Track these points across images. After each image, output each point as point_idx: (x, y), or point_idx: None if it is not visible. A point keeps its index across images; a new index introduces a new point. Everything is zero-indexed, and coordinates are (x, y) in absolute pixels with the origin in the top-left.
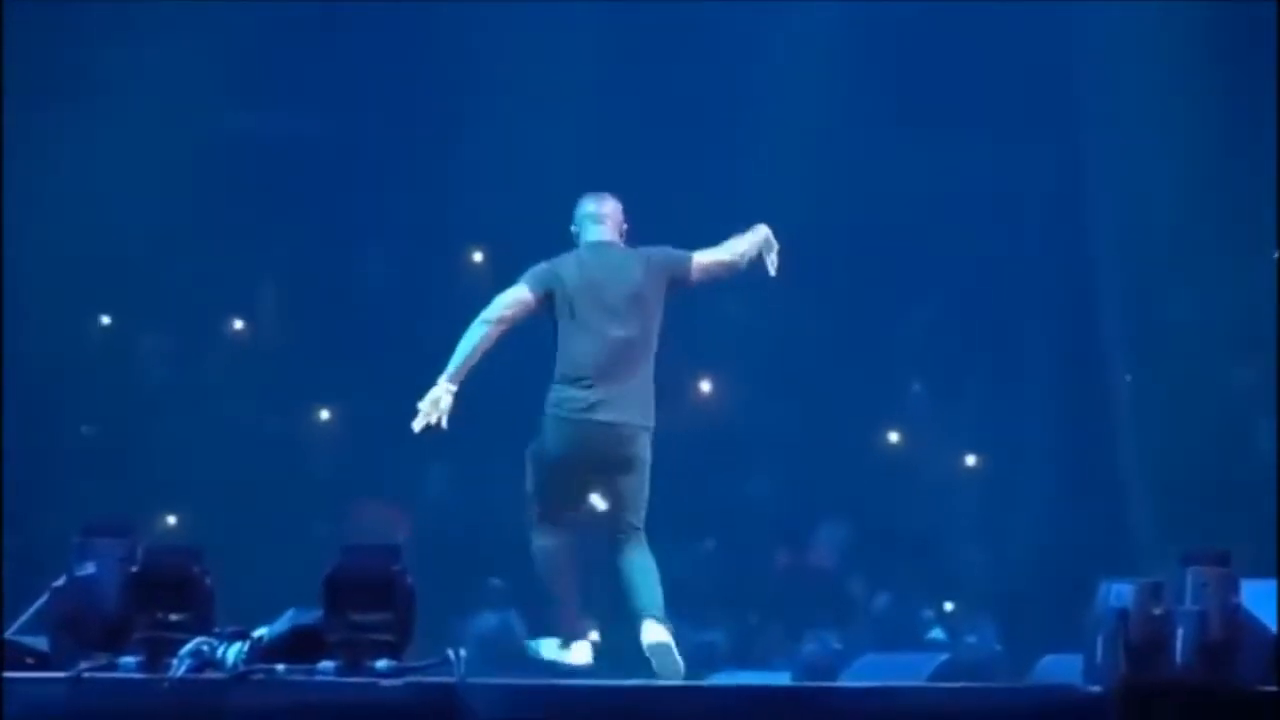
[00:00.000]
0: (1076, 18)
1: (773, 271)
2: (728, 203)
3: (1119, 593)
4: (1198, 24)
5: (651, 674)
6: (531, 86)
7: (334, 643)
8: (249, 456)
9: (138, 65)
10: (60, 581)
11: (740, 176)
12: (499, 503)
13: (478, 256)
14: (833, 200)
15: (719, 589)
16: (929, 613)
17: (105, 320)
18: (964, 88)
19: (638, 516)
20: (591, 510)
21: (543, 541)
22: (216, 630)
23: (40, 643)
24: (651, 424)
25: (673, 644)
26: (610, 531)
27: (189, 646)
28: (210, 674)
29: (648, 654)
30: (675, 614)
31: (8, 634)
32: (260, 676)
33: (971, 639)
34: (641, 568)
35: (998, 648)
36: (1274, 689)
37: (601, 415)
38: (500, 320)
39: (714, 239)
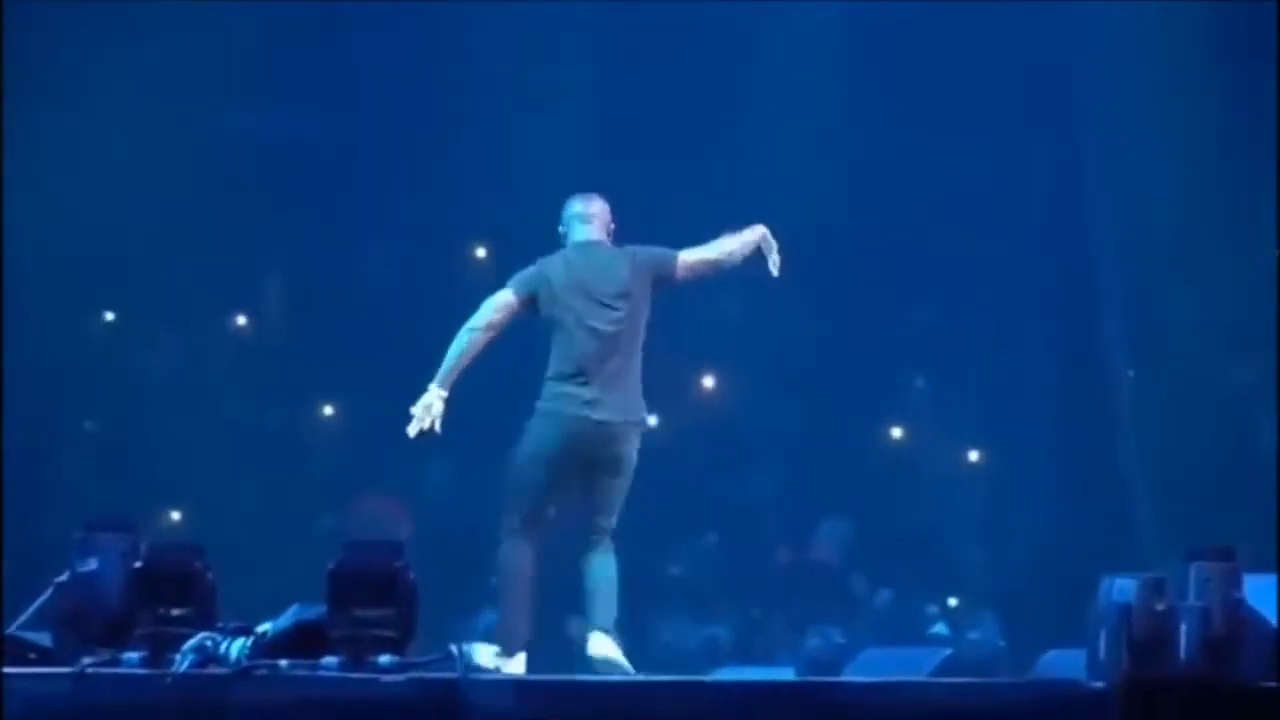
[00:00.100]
0: (1076, 18)
1: (775, 272)
2: (728, 203)
3: (1121, 588)
4: (1198, 24)
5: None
6: (532, 86)
7: (337, 638)
8: (252, 453)
9: (139, 64)
10: (63, 577)
11: (740, 176)
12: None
13: (480, 253)
14: (833, 199)
15: (722, 584)
16: (932, 608)
17: (109, 317)
18: (964, 87)
19: (612, 519)
20: (567, 510)
21: (515, 546)
22: (219, 625)
23: (43, 638)
24: (644, 421)
25: (619, 659)
26: (583, 532)
27: (192, 642)
28: (213, 669)
29: (593, 665)
30: (678, 609)
31: (11, 629)
32: (263, 672)
33: (974, 634)
34: (603, 578)
35: (1001, 643)
36: (1277, 684)
37: (597, 414)
38: (487, 327)
39: (714, 238)
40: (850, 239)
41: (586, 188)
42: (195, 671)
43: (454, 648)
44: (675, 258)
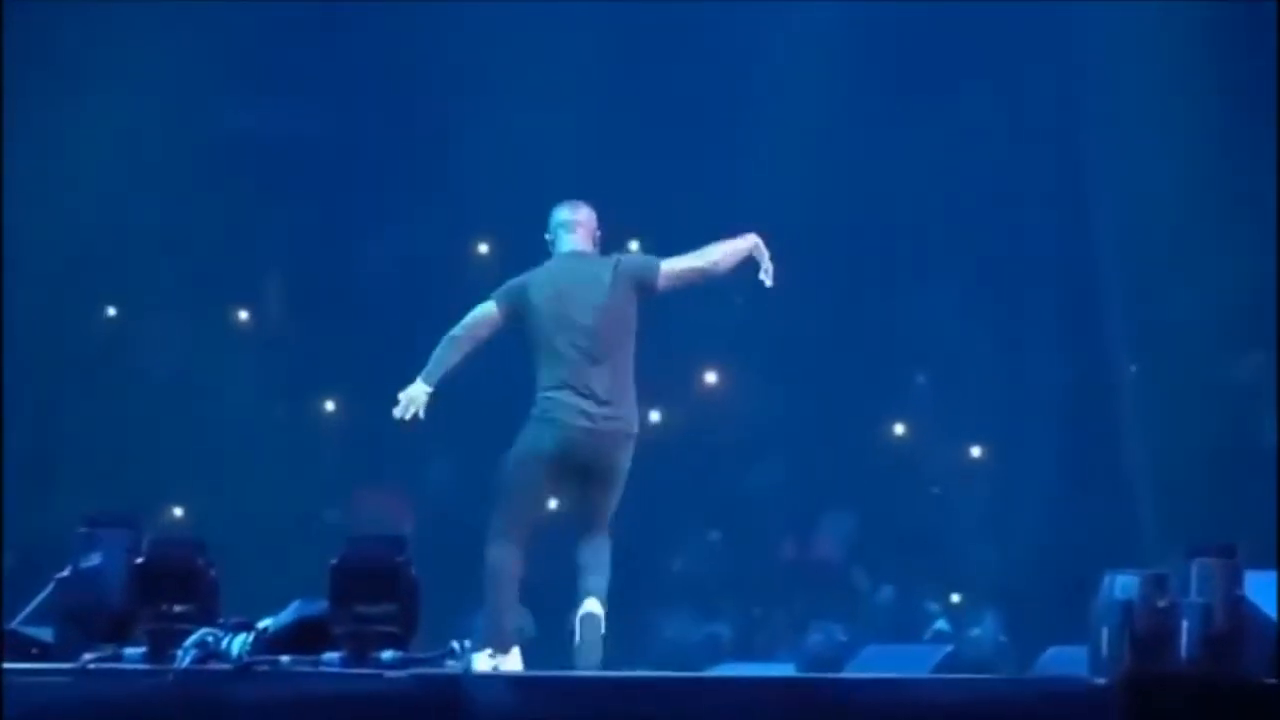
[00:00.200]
0: (1076, 18)
1: (769, 281)
2: (729, 200)
3: (1123, 584)
4: (1198, 24)
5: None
6: (533, 83)
7: (339, 634)
8: (254, 448)
9: (141, 60)
10: (65, 573)
11: (741, 174)
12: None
13: (482, 249)
14: (835, 197)
15: (724, 581)
16: (934, 605)
17: (111, 312)
18: (964, 86)
19: (608, 514)
20: (565, 508)
21: (501, 549)
22: (221, 621)
23: (45, 634)
24: (635, 431)
25: (602, 620)
26: (579, 529)
27: (194, 638)
28: (215, 665)
29: (577, 621)
30: (681, 605)
31: (13, 625)
32: (265, 668)
33: (976, 631)
34: (596, 561)
35: (1002, 639)
36: (1278, 681)
37: (588, 424)
38: (469, 337)
39: (714, 238)
40: (852, 236)
41: (588, 184)
42: (197, 667)
43: (456, 644)
44: (657, 267)
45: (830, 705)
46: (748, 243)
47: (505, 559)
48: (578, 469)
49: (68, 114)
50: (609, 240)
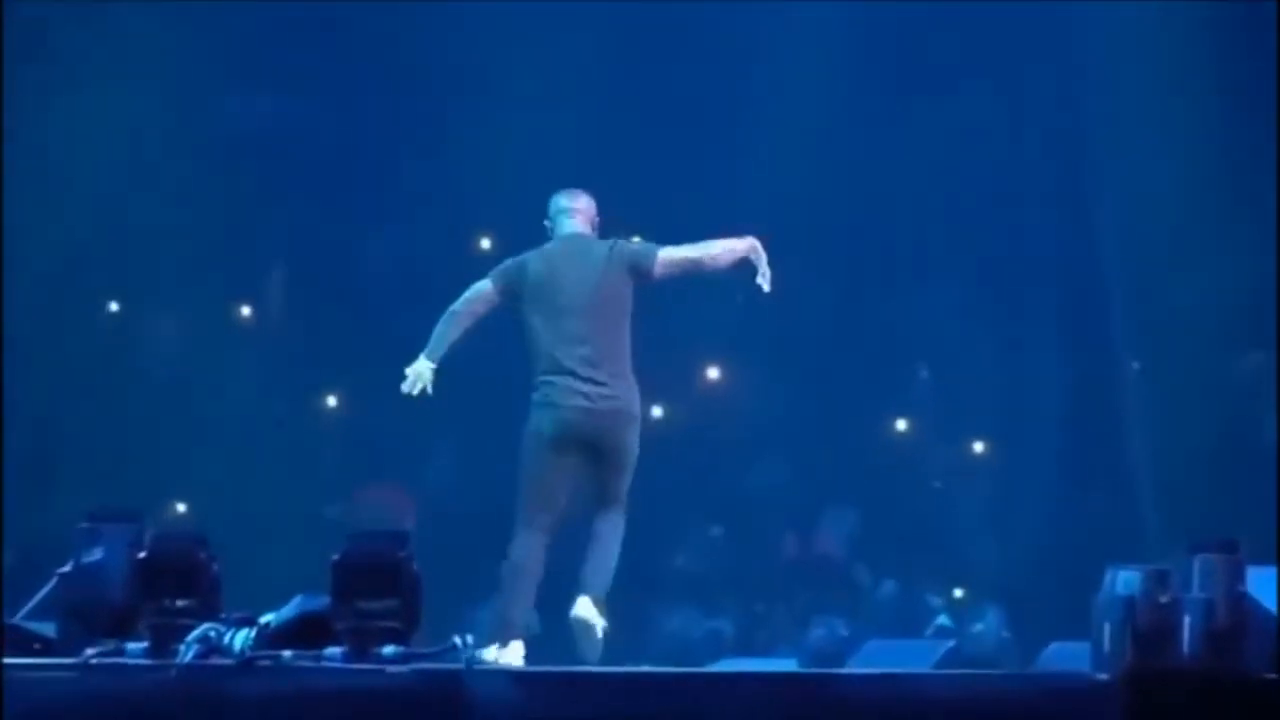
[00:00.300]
0: (1077, 17)
1: (766, 286)
2: (730, 194)
3: (1126, 580)
4: (1197, 24)
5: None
6: (535, 79)
7: (341, 629)
8: (255, 443)
9: (142, 53)
10: (67, 568)
11: (742, 170)
12: (508, 490)
13: (484, 244)
14: (836, 193)
15: (726, 576)
16: (936, 600)
17: (113, 307)
18: (965, 85)
19: (622, 489)
20: (578, 495)
21: (524, 541)
22: (223, 616)
23: (48, 629)
24: (636, 408)
25: (599, 628)
26: (594, 501)
27: (196, 633)
28: (217, 660)
29: (571, 624)
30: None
31: (15, 620)
32: (267, 663)
33: (978, 626)
34: (601, 545)
35: (1005, 635)
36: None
37: (584, 404)
38: (467, 314)
39: (714, 238)
40: (853, 234)
41: (588, 183)
42: (199, 662)
43: (458, 639)
44: (654, 253)
45: (832, 701)
46: (746, 244)
47: (525, 555)
48: (582, 449)
49: (69, 111)
50: (609, 235)
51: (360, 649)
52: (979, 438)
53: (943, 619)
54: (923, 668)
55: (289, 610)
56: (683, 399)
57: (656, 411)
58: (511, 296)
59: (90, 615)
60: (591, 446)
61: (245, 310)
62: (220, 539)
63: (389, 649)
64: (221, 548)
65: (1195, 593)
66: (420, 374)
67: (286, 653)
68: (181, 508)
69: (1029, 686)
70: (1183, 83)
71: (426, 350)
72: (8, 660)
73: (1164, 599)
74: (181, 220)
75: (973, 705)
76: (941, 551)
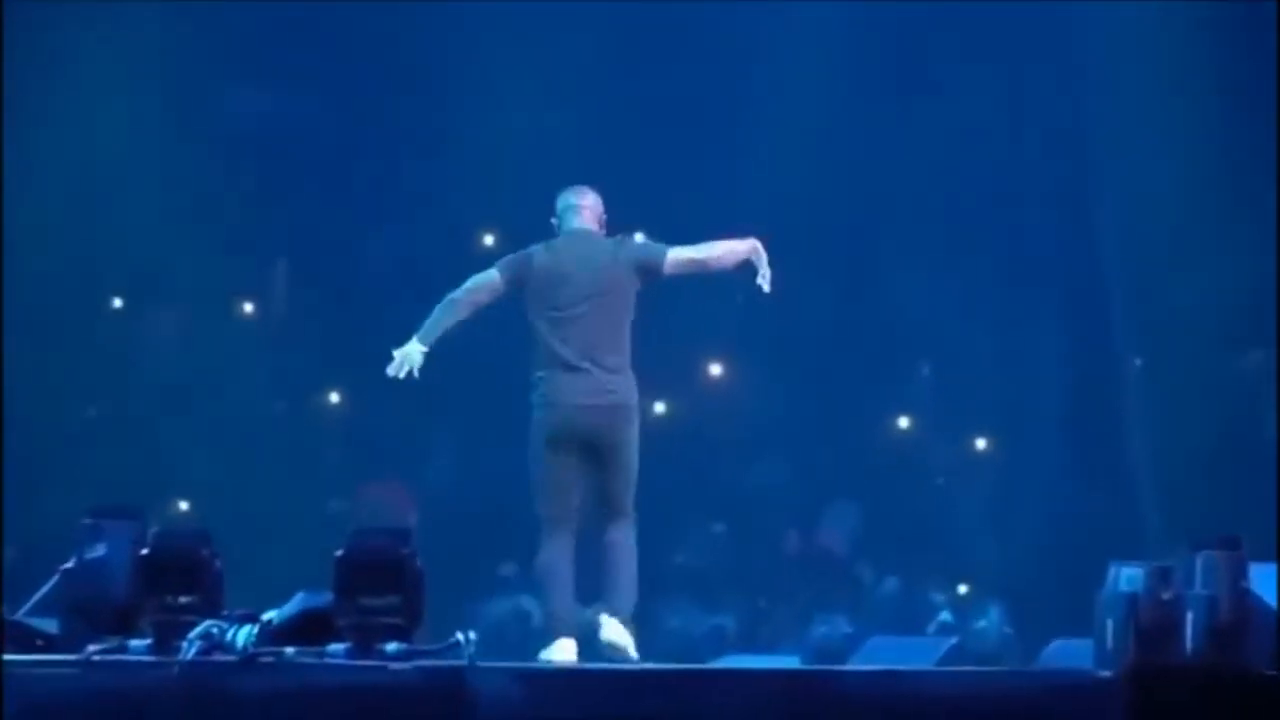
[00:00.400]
0: (1077, 17)
1: (766, 287)
2: (731, 191)
3: (1128, 577)
4: (1197, 23)
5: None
6: (534, 82)
7: (343, 626)
8: (258, 440)
9: (144, 49)
10: (70, 564)
11: (743, 168)
12: (510, 486)
13: (487, 241)
14: (838, 193)
15: (729, 573)
16: (938, 597)
17: (117, 303)
18: (965, 85)
19: (626, 494)
20: (587, 496)
21: (548, 541)
22: (226, 613)
23: (50, 625)
24: (634, 402)
25: (629, 649)
26: (600, 515)
27: (198, 629)
28: (220, 657)
29: (603, 648)
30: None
31: (17, 616)
32: (270, 659)
33: (981, 623)
34: (621, 564)
35: (1007, 631)
36: None
37: (583, 399)
38: (469, 302)
39: (715, 237)
40: (855, 232)
41: (590, 178)
42: (202, 659)
43: (461, 635)
44: (664, 253)
45: (835, 698)
46: (748, 245)
47: (552, 554)
48: (583, 446)
49: (71, 108)
50: (611, 234)
51: (363, 646)
52: (981, 434)
53: (945, 616)
54: (925, 665)
55: (291, 607)
56: (685, 396)
57: (659, 408)
58: (517, 287)
59: (93, 612)
60: (591, 443)
61: (248, 307)
62: (223, 536)
63: (392, 646)
64: (224, 544)
65: (1198, 589)
66: (409, 356)
67: (289, 649)
68: (184, 505)
69: (1031, 683)
70: (1183, 83)
71: (419, 334)
72: (11, 656)
73: (1167, 596)
74: (184, 217)
75: (975, 702)
76: (944, 548)
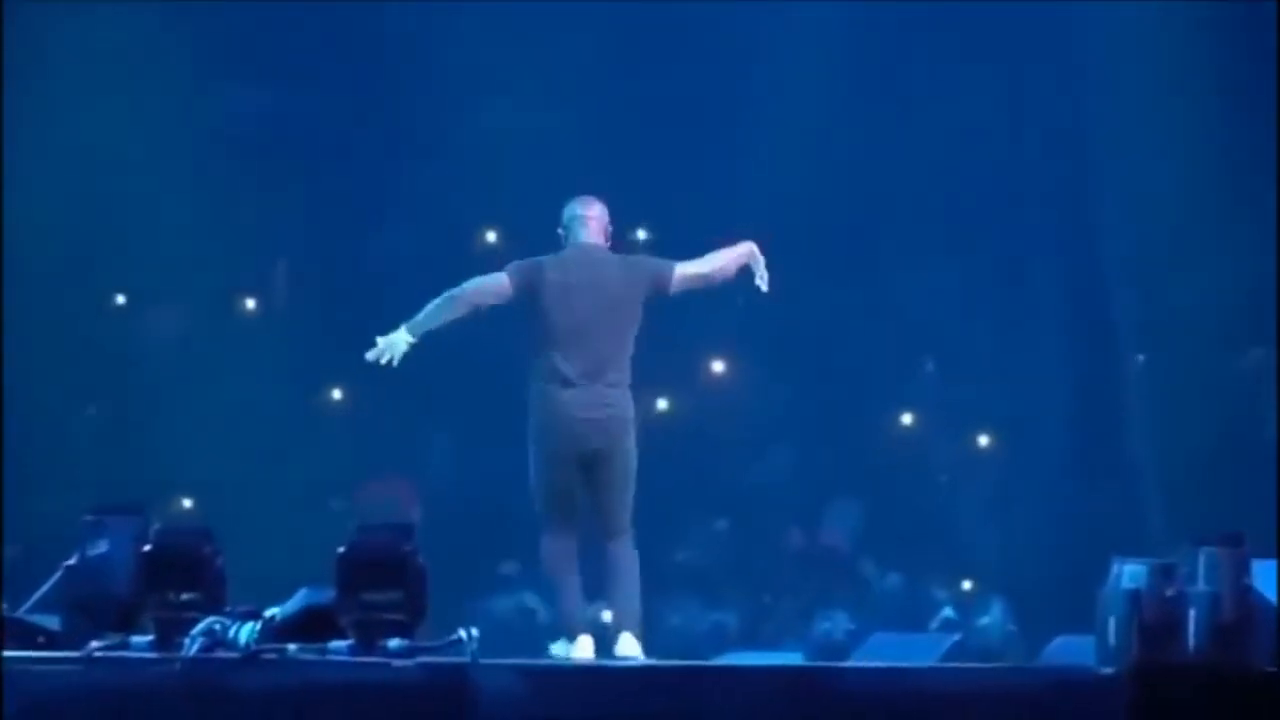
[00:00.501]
0: (1077, 17)
1: (764, 287)
2: (729, 199)
3: (1131, 574)
4: (1197, 23)
5: None
6: (534, 81)
7: (346, 622)
8: (260, 436)
9: (146, 46)
10: (73, 561)
11: (741, 174)
12: (511, 484)
13: (490, 237)
14: (839, 187)
15: (731, 569)
16: (941, 593)
17: (120, 300)
18: (965, 85)
19: (624, 514)
20: (586, 504)
21: (549, 542)
22: (228, 609)
23: (52, 622)
24: (630, 418)
25: (641, 658)
26: (598, 524)
27: (201, 626)
28: (222, 653)
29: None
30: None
31: (20, 613)
32: (272, 656)
33: (984, 619)
34: (625, 577)
35: (1010, 628)
36: None
37: (582, 412)
38: (471, 300)
39: (716, 235)
40: (857, 228)
41: (589, 180)
42: (204, 656)
43: (463, 632)
44: (672, 269)
45: (837, 695)
46: (745, 250)
47: (553, 552)
48: (580, 455)
49: (73, 105)
50: (612, 237)
51: (365, 642)
52: (984, 431)
53: (948, 612)
54: (928, 661)
55: (294, 603)
56: (688, 393)
57: (661, 405)
58: (527, 294)
59: (95, 609)
60: (589, 455)
61: (250, 303)
62: (225, 532)
63: (394, 642)
64: (226, 541)
65: (1200, 586)
66: (393, 344)
67: (291, 646)
68: (186, 502)
69: (1034, 680)
70: (1183, 83)
71: (409, 324)
72: (13, 653)
73: (1169, 592)
74: (186, 214)
75: (978, 699)
76: (947, 545)
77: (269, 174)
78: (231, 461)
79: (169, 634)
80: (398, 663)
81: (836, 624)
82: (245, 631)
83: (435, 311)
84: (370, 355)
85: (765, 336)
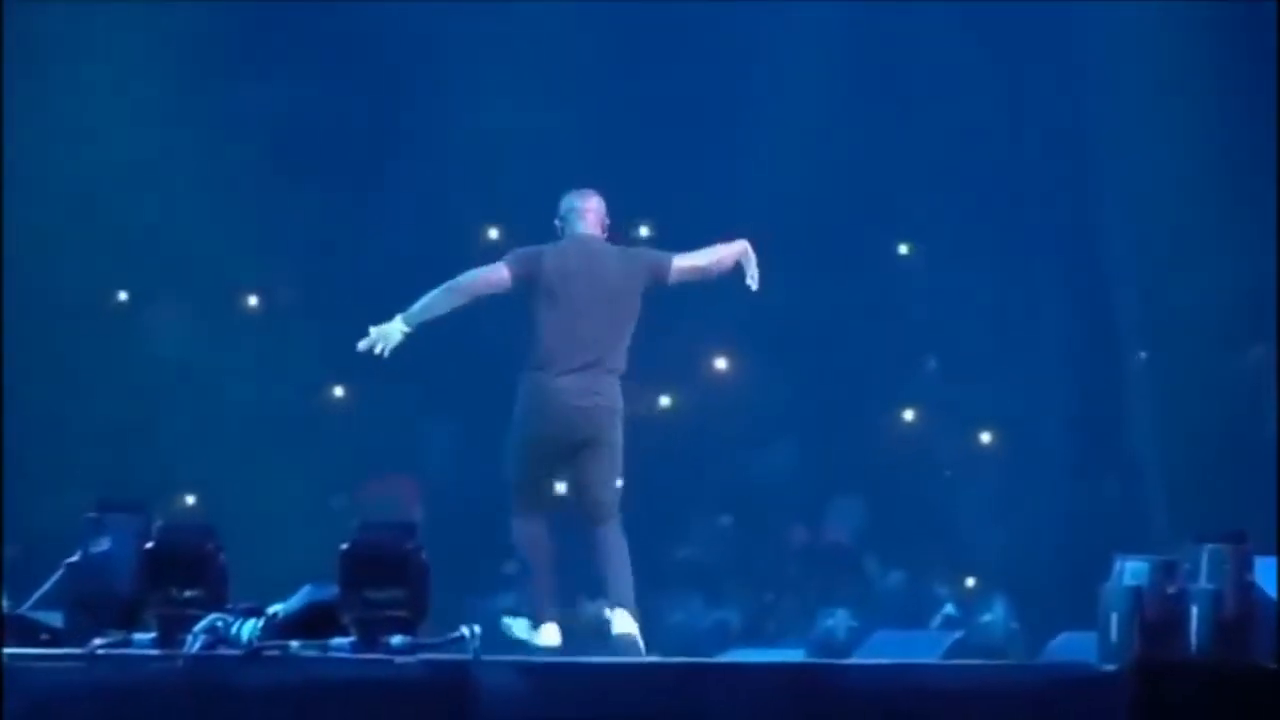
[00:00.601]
0: (1077, 17)
1: (754, 285)
2: (729, 197)
3: (1134, 570)
4: (1197, 23)
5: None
6: (535, 81)
7: (349, 619)
8: (263, 433)
9: (150, 41)
10: (75, 558)
11: (741, 172)
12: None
13: (492, 234)
14: (837, 194)
15: (733, 566)
16: (944, 590)
17: (122, 297)
18: (966, 84)
19: (611, 498)
20: (567, 492)
21: (522, 525)
22: (231, 607)
23: (55, 619)
24: (619, 408)
25: (639, 637)
26: (585, 514)
27: (203, 623)
28: (224, 650)
29: (614, 643)
30: (689, 592)
31: (22, 610)
32: (274, 653)
33: (986, 617)
34: (614, 557)
35: (1013, 625)
36: None
37: (573, 400)
38: (469, 291)
39: (716, 234)
40: (858, 228)
41: (590, 178)
42: (206, 653)
43: (466, 629)
44: (670, 260)
45: (839, 692)
46: (739, 247)
47: (527, 536)
48: (566, 444)
49: (75, 101)
50: (612, 234)
51: (368, 639)
52: (986, 428)
53: (950, 609)
54: (930, 658)
55: (296, 600)
56: (690, 390)
57: (664, 402)
58: (526, 284)
59: (97, 606)
60: (578, 442)
61: (252, 301)
62: (228, 529)
63: (397, 639)
64: (229, 538)
65: (1203, 583)
66: (386, 334)
67: (294, 643)
68: (189, 499)
69: (1036, 677)
70: (1183, 83)
71: (405, 314)
72: (15, 650)
73: (1172, 589)
74: (188, 212)
75: (980, 696)
76: (949, 542)
77: (270, 173)
78: (234, 459)
79: (171, 631)
80: (400, 660)
81: (839, 621)
82: (247, 628)
83: (432, 302)
84: (362, 345)
85: (768, 334)
